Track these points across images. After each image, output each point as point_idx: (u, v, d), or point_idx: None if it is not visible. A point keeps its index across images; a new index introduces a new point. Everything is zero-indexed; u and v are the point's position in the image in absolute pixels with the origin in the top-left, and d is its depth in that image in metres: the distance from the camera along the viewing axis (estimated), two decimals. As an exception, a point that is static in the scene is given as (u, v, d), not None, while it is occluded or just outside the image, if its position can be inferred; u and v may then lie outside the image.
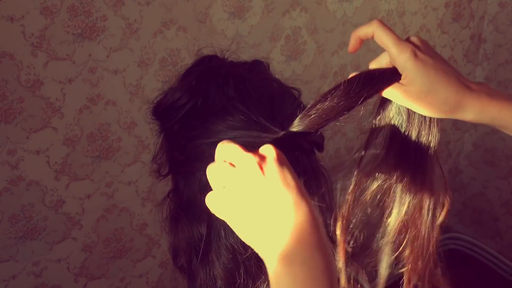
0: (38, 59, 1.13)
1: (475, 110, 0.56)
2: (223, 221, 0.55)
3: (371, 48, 1.84)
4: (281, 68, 1.59)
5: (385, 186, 0.64)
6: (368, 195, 0.64)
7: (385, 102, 0.63)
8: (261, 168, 0.47)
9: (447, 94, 0.56)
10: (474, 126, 2.50)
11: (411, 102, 0.57)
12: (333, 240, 0.63)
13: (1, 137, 1.14)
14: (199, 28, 1.35)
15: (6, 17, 1.06)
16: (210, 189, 0.54)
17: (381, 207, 0.66)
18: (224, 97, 0.58)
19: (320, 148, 0.60)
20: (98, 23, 1.18)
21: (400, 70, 0.57)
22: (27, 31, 1.10)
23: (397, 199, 0.64)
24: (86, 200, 1.33)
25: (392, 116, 0.62)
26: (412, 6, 1.91)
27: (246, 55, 1.46)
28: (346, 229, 0.64)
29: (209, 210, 0.57)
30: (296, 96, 0.63)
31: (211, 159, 0.53)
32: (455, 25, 2.14)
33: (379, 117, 0.63)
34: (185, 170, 0.60)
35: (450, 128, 2.43)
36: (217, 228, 0.58)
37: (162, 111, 0.61)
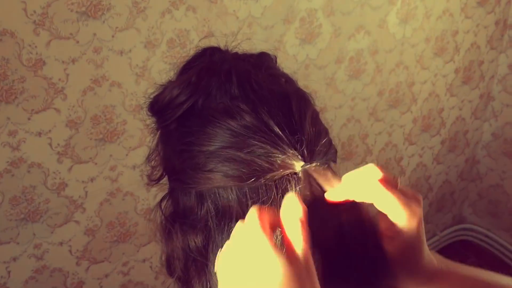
0: (40, 38, 1.09)
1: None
2: (222, 232, 0.52)
3: (390, 32, 1.76)
4: (294, 52, 1.53)
5: None
6: None
7: None
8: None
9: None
10: (494, 115, 2.42)
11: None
12: None
13: (2, 118, 1.11)
14: (210, 8, 1.29)
15: (6, -7, 1.02)
16: (207, 200, 0.52)
17: None
18: (227, 95, 0.52)
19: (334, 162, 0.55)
20: (103, 1, 1.13)
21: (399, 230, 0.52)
22: (29, 8, 1.05)
23: None
24: (89, 184, 1.30)
25: None
26: (435, -12, 1.82)
27: (258, 37, 1.40)
28: None
29: (206, 220, 0.53)
30: (311, 100, 0.57)
31: (209, 174, 0.50)
32: (479, 9, 2.05)
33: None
34: (181, 180, 0.55)
35: (469, 117, 2.35)
36: (216, 240, 0.53)
37: (159, 108, 0.56)
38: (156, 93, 0.58)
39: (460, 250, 2.65)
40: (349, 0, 1.58)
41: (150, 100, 0.58)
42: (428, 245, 0.56)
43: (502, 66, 2.31)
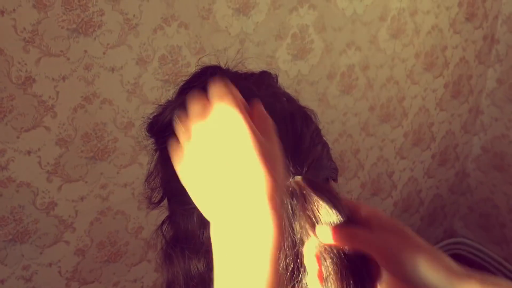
0: (30, 55, 1.07)
1: None
2: None
3: (380, 48, 1.77)
4: (286, 68, 1.52)
5: None
6: None
7: None
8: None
9: None
10: (484, 129, 2.43)
11: None
12: None
13: (-10, 137, 1.08)
14: (202, 25, 1.29)
15: (-4, 10, 1.00)
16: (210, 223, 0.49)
17: None
18: None
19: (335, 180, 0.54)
20: (94, 18, 1.12)
21: None
22: (18, 25, 1.04)
23: None
24: (79, 203, 1.27)
25: None
26: (425, 4, 1.83)
27: (250, 54, 1.40)
28: None
29: (209, 244, 0.51)
30: (313, 118, 0.56)
31: None
32: (468, 25, 2.07)
33: None
34: (183, 201, 0.53)
35: (459, 131, 2.36)
36: None
37: (159, 129, 0.54)
38: (155, 114, 0.56)
39: (451, 264, 2.65)
40: (340, 16, 1.59)
41: (149, 120, 0.56)
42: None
43: (491, 81, 2.33)
